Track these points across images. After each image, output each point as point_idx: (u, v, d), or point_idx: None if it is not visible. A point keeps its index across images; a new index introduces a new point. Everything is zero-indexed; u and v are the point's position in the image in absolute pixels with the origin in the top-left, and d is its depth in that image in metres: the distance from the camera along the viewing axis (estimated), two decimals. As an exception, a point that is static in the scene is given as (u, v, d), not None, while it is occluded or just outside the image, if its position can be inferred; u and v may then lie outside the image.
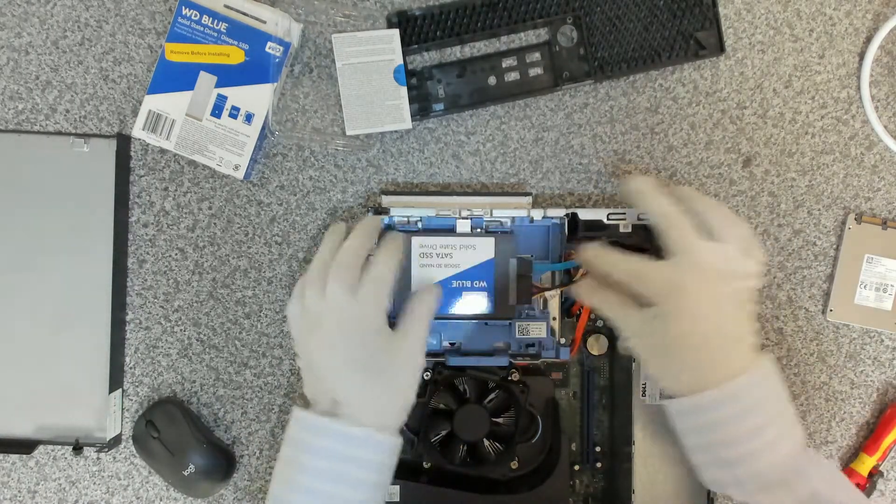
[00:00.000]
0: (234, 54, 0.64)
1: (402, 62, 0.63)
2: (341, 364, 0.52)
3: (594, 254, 0.57)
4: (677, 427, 0.54)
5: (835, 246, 0.69)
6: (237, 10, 0.64)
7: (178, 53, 0.64)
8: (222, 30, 0.64)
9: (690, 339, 0.51)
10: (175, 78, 0.64)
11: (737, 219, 0.55)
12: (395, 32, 0.63)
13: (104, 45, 0.67)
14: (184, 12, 0.64)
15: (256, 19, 0.64)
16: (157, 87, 0.64)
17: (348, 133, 0.64)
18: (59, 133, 0.66)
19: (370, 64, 0.63)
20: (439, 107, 0.66)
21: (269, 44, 0.64)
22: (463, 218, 0.62)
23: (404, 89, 0.64)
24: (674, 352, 0.52)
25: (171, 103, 0.64)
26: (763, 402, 0.51)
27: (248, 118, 0.64)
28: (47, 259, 0.65)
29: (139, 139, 0.66)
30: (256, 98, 0.64)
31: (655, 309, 0.52)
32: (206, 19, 0.64)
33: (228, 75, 0.64)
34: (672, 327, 0.52)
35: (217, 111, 0.64)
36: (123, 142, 0.66)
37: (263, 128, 0.65)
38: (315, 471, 0.51)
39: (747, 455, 0.50)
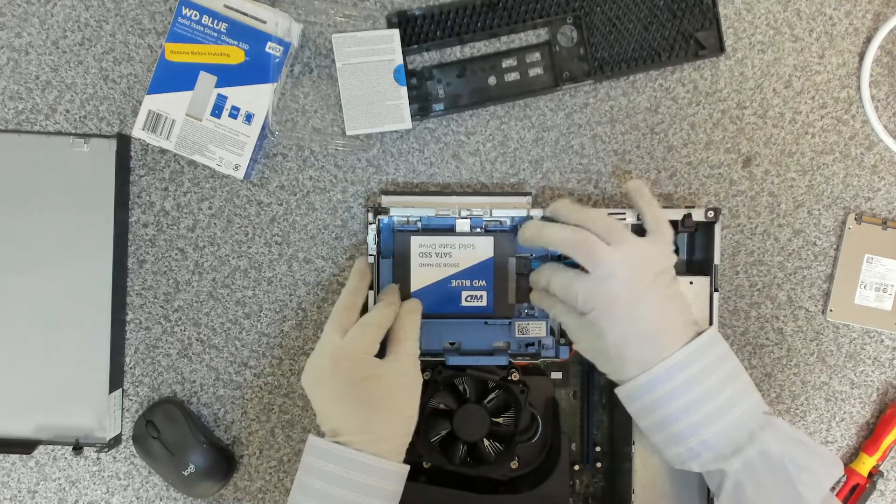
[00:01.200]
0: (234, 54, 0.64)
1: (402, 62, 0.63)
2: (332, 397, 0.56)
3: (536, 273, 0.61)
4: (630, 413, 0.57)
5: (835, 246, 0.69)
6: (237, 10, 0.64)
7: (178, 53, 0.64)
8: (222, 30, 0.64)
9: (622, 337, 0.55)
10: (175, 78, 0.64)
11: (617, 223, 0.58)
12: (395, 32, 0.63)
13: (104, 45, 0.67)
14: (184, 12, 0.64)
15: (256, 19, 0.64)
16: (157, 87, 0.64)
17: (348, 133, 0.64)
18: (59, 133, 0.66)
19: (370, 64, 0.63)
20: (439, 107, 0.66)
21: (269, 44, 0.64)
22: (462, 217, 0.62)
23: (404, 89, 0.64)
24: (611, 351, 0.55)
25: (171, 103, 0.64)
26: (702, 373, 0.54)
27: (248, 118, 0.65)
28: (47, 259, 0.64)
29: (139, 139, 0.66)
30: (256, 98, 0.64)
31: (587, 317, 0.56)
32: (206, 19, 0.64)
33: (228, 75, 0.64)
34: (603, 331, 0.55)
35: (217, 111, 0.64)
36: (123, 142, 0.66)
37: (263, 128, 0.65)
38: (321, 495, 0.53)
39: (694, 426, 0.53)
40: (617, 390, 0.56)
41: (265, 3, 0.65)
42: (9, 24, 0.66)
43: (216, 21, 0.64)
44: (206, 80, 0.64)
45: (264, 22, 0.64)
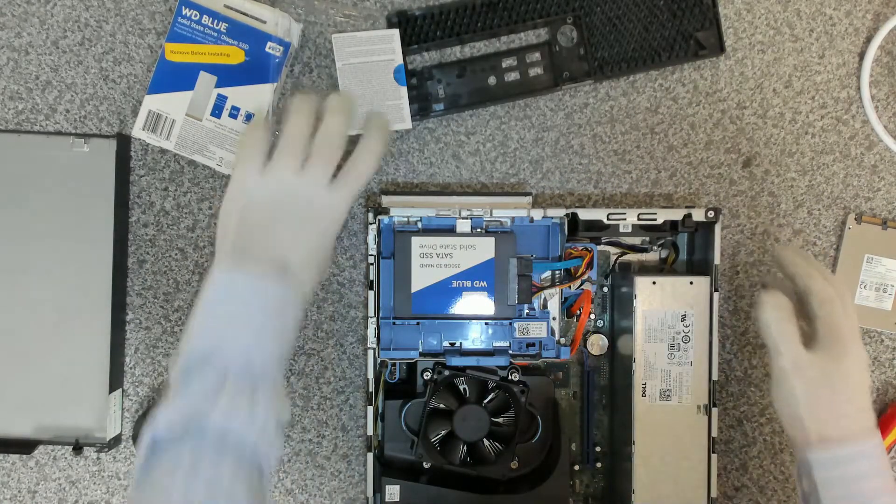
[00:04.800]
0: (234, 54, 0.64)
1: (402, 62, 0.63)
2: (302, 241, 0.51)
3: (796, 261, 0.55)
4: (818, 476, 0.52)
5: (835, 246, 0.69)
6: (237, 10, 0.64)
7: (179, 53, 0.64)
8: (222, 30, 0.64)
9: (850, 389, 0.52)
10: (175, 78, 0.64)
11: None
12: (395, 32, 0.63)
13: (104, 45, 0.67)
14: (184, 12, 0.64)
15: (256, 19, 0.64)
16: (157, 87, 0.64)
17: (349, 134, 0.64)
18: (59, 133, 0.66)
19: (370, 64, 0.63)
20: (439, 107, 0.66)
21: (269, 44, 0.64)
22: (463, 218, 0.62)
23: (404, 89, 0.64)
24: (833, 396, 0.52)
25: (171, 103, 0.64)
26: (885, 466, 0.52)
27: (248, 118, 0.64)
28: (47, 259, 0.64)
29: (139, 139, 0.66)
30: (256, 98, 0.64)
31: (831, 359, 0.52)
32: (206, 19, 0.64)
33: (228, 75, 0.64)
34: (844, 379, 0.52)
35: (217, 111, 0.64)
36: (123, 142, 0.66)
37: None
38: (243, 318, 0.49)
39: None
40: (815, 453, 0.52)
41: (265, 3, 0.65)
42: (9, 24, 0.66)
43: (216, 21, 0.64)
44: (206, 80, 0.64)
45: (264, 22, 0.64)
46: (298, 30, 0.65)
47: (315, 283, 0.53)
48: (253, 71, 0.64)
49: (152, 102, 0.64)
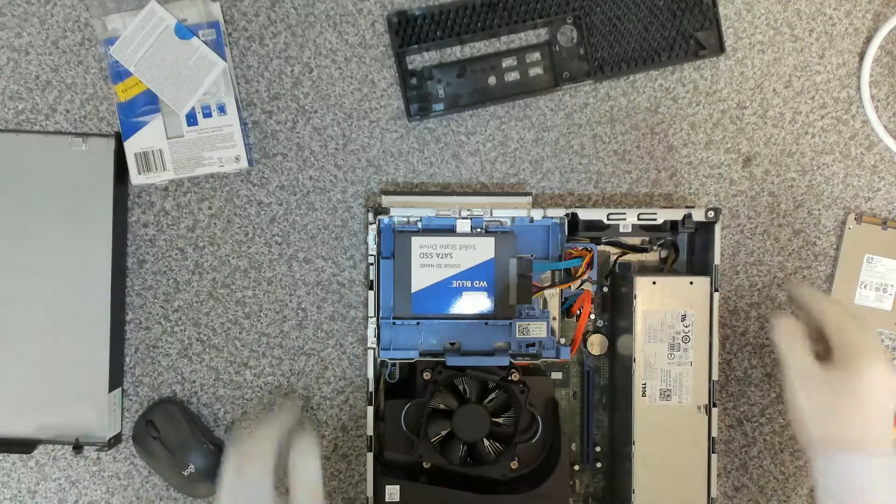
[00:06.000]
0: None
1: (175, 20, 0.62)
2: None
3: (807, 292, 0.57)
4: (822, 483, 0.53)
5: (835, 246, 0.69)
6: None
7: (129, 90, 0.64)
8: None
9: (859, 400, 0.52)
10: (139, 112, 0.64)
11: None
12: (152, 3, 0.62)
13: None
14: (112, 51, 0.63)
15: (179, 21, 0.64)
16: (128, 129, 0.64)
17: (183, 112, 0.64)
18: (58, 132, 0.66)
19: (155, 45, 0.62)
20: (439, 107, 0.66)
21: (199, 33, 0.64)
22: (463, 218, 0.62)
23: (195, 39, 0.63)
24: (844, 412, 0.53)
25: (149, 137, 0.64)
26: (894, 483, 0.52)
27: (222, 108, 0.65)
28: (47, 259, 0.64)
29: (140, 185, 0.66)
30: (219, 87, 0.64)
31: (841, 370, 0.53)
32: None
33: None
34: (852, 389, 0.52)
35: (192, 119, 0.65)
36: (122, 140, 0.66)
37: (239, 109, 0.65)
38: None
39: None
40: (816, 459, 0.53)
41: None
42: (9, 24, 0.66)
43: None
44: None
45: (186, 20, 0.64)
46: (217, 7, 0.65)
47: None
48: (201, 65, 0.64)
49: (133, 146, 0.64)
